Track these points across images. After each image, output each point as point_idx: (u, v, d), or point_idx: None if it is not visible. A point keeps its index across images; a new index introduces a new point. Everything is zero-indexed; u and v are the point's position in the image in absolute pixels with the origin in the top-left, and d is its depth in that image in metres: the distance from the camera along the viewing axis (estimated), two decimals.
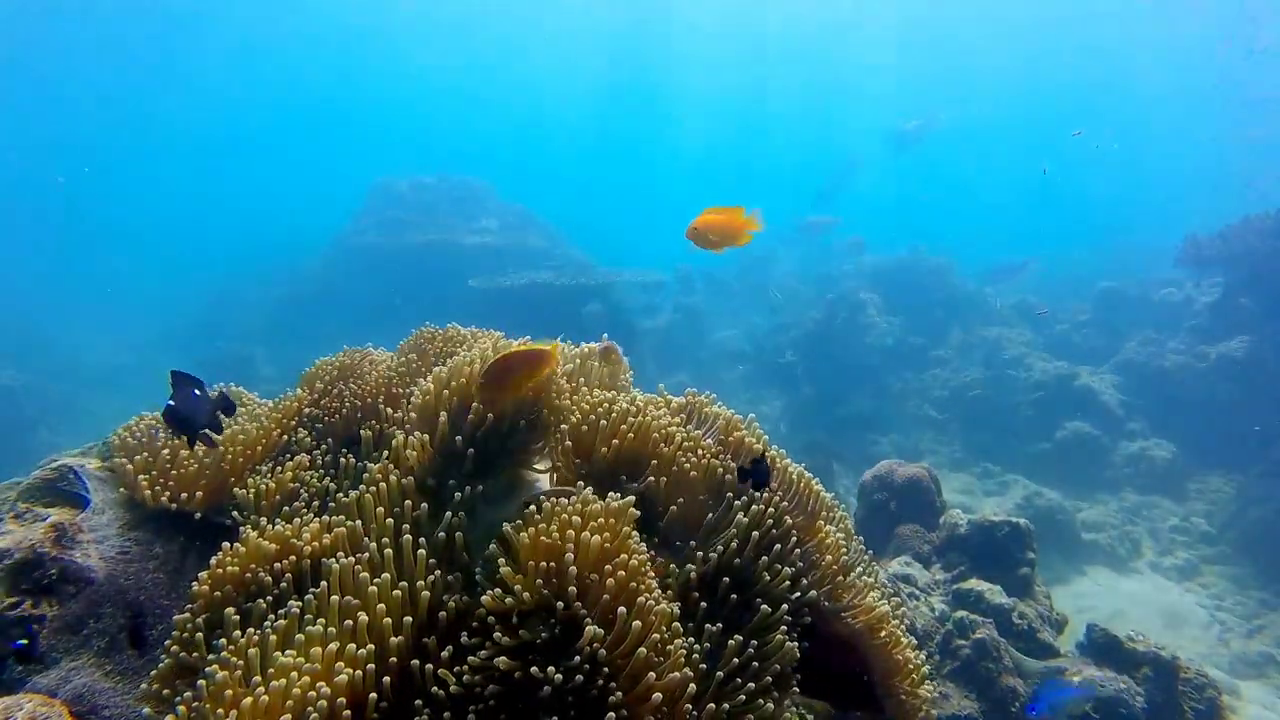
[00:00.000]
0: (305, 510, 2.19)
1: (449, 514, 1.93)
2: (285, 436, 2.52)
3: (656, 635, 1.60)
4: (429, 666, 1.59)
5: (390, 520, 1.91)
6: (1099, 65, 33.64)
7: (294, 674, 1.50)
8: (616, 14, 32.04)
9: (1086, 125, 38.08)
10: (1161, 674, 4.28)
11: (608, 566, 1.63)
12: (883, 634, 2.12)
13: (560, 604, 1.61)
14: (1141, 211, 25.56)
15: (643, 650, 1.55)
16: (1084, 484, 8.92)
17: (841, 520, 2.61)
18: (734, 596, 1.88)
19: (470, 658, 1.60)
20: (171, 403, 1.98)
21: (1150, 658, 4.33)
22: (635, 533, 1.80)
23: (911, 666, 2.17)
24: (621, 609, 1.58)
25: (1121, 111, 37.46)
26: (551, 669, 1.52)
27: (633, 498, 1.87)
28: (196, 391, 2.03)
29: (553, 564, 1.63)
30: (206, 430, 2.11)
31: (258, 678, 1.52)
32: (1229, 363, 9.22)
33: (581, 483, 1.95)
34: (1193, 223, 11.16)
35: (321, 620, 1.66)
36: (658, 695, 1.52)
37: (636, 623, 1.56)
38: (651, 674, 1.54)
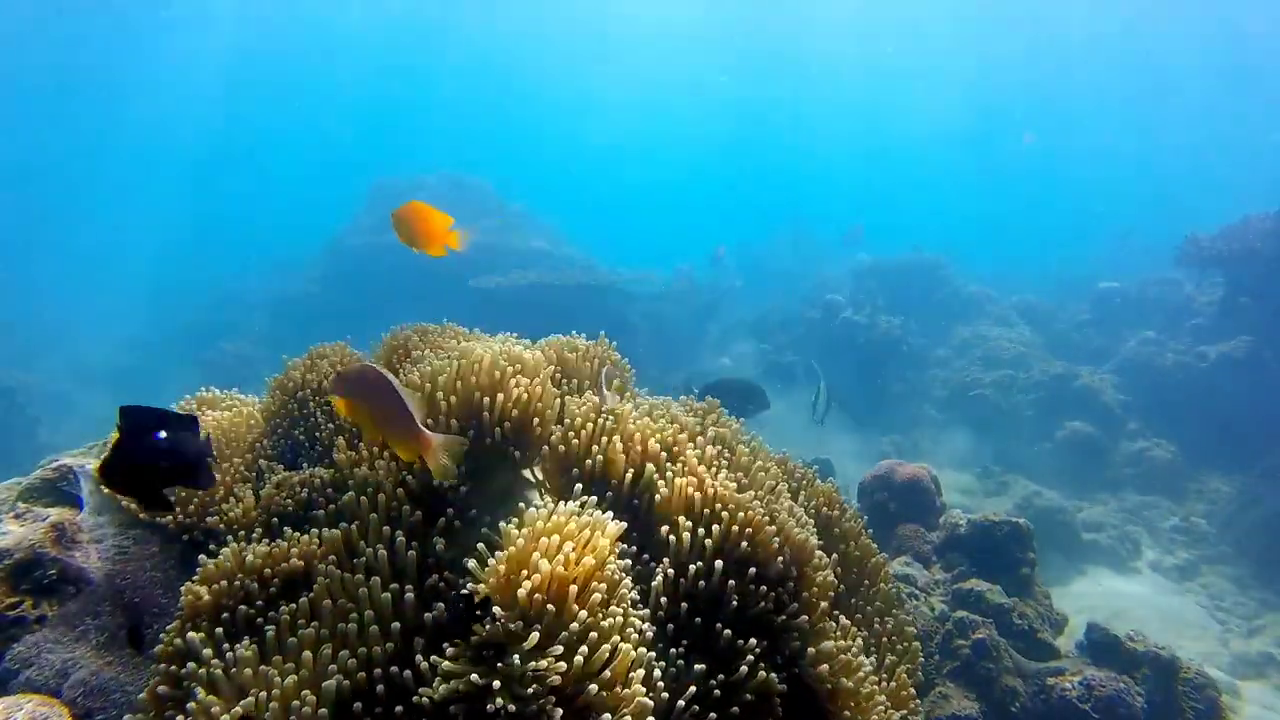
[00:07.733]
0: (283, 523, 2.16)
1: (442, 520, 1.92)
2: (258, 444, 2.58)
3: (613, 670, 1.52)
4: (407, 673, 1.58)
5: (386, 528, 1.89)
6: (1098, 65, 33.61)
7: (279, 680, 1.50)
8: (616, 15, 32.03)
9: (1089, 124, 38.11)
10: (1161, 674, 4.28)
11: (573, 589, 1.56)
12: (843, 708, 1.86)
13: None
14: (1141, 211, 25.54)
15: (594, 686, 1.48)
16: (1084, 484, 8.90)
17: (858, 531, 2.55)
18: (697, 620, 1.75)
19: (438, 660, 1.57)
20: (109, 456, 1.45)
21: (1150, 658, 4.33)
22: (613, 557, 1.69)
23: None
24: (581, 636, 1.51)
25: (1124, 111, 37.44)
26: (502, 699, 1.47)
27: (610, 514, 1.78)
28: (161, 434, 1.48)
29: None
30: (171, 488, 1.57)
31: (254, 690, 1.52)
32: (1229, 363, 9.20)
33: (551, 499, 1.91)
34: (1193, 223, 11.14)
35: (314, 625, 1.66)
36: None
37: (585, 648, 1.49)
38: (606, 715, 1.47)
